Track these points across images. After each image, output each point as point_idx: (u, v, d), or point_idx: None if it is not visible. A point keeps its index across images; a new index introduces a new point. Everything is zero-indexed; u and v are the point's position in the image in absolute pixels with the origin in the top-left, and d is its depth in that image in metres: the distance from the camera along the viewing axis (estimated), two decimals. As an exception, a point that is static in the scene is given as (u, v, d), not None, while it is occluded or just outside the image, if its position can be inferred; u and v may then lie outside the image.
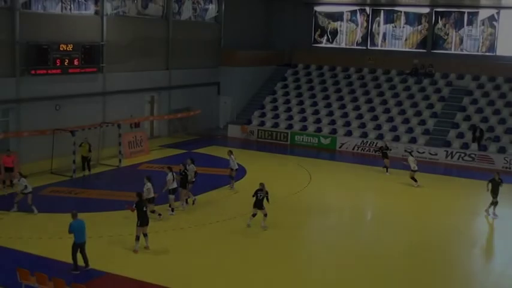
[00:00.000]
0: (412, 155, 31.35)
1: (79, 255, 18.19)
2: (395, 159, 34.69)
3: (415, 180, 30.27)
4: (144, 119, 37.97)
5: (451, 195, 29.65)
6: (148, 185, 22.42)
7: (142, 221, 19.80)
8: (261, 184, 22.83)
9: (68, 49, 31.85)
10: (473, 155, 36.05)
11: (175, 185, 23.99)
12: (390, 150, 32.58)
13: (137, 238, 19.73)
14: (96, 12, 34.34)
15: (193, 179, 25.41)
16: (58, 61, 31.44)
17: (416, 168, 30.36)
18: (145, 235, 19.98)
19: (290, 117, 42.49)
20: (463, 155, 36.28)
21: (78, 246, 18.14)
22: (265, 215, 22.71)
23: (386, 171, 32.28)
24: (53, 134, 29.86)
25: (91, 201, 25.91)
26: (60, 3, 32.19)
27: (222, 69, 44.47)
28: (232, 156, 28.12)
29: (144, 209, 19.90)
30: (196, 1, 42.54)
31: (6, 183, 26.63)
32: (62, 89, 32.16)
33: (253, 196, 22.64)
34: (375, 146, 33.46)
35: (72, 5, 32.88)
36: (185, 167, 24.84)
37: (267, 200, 22.68)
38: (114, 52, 35.21)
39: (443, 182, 32.39)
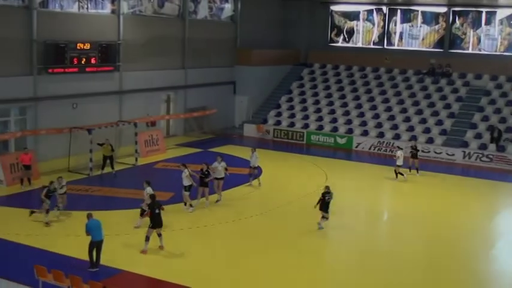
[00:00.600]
0: (401, 151, 31.55)
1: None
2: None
3: (402, 174, 30.86)
4: (160, 118, 38.05)
5: (468, 196, 29.41)
6: (149, 189, 21.95)
7: (154, 223, 19.67)
8: (327, 187, 22.99)
9: (85, 48, 32.03)
10: (491, 156, 35.72)
11: (190, 182, 24.05)
12: (418, 151, 32.71)
13: (147, 239, 19.58)
14: (113, 11, 34.45)
15: (223, 176, 25.55)
16: (75, 60, 31.60)
17: (401, 164, 30.80)
18: (159, 235, 19.86)
19: (306, 117, 42.39)
20: (480, 155, 35.96)
21: (95, 245, 18.17)
22: (327, 218, 22.76)
23: (407, 172, 31.87)
24: (70, 132, 29.99)
25: (108, 199, 25.99)
26: (77, 2, 32.34)
27: (238, 68, 44.46)
28: (255, 153, 28.19)
29: (157, 211, 19.68)
30: (212, 0, 42.54)
31: (25, 182, 26.72)
32: (79, 88, 32.32)
33: (320, 200, 22.63)
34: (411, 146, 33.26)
35: (89, 4, 33.01)
36: (207, 166, 24.92)
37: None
38: (131, 51, 35.31)
39: (461, 182, 32.14)
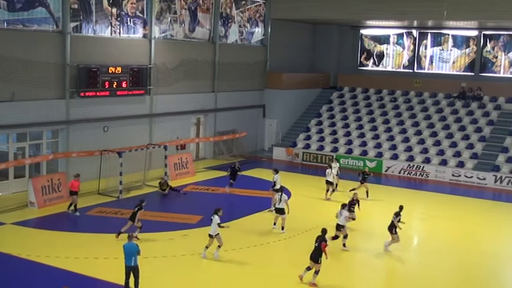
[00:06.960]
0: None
1: (132, 280, 17.85)
2: (444, 183, 34.61)
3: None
4: (189, 141, 38.34)
5: (499, 220, 29.00)
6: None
7: (312, 256, 19.36)
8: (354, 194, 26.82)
9: (116, 72, 32.49)
10: (523, 180, 35.30)
11: (281, 206, 25.08)
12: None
13: (316, 272, 19.33)
14: (145, 36, 34.97)
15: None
16: (107, 83, 32.06)
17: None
18: (309, 269, 19.40)
19: (335, 140, 42.32)
20: (512, 180, 35.56)
21: (127, 269, 17.79)
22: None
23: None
24: (100, 155, 30.36)
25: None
26: (109, 27, 32.89)
27: (268, 91, 44.64)
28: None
29: (317, 244, 19.42)
30: (242, 24, 42.94)
31: (71, 208, 26.65)
32: (110, 111, 32.75)
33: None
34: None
35: (121, 29, 33.56)
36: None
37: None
38: (162, 75, 35.76)
39: (492, 207, 31.72)
